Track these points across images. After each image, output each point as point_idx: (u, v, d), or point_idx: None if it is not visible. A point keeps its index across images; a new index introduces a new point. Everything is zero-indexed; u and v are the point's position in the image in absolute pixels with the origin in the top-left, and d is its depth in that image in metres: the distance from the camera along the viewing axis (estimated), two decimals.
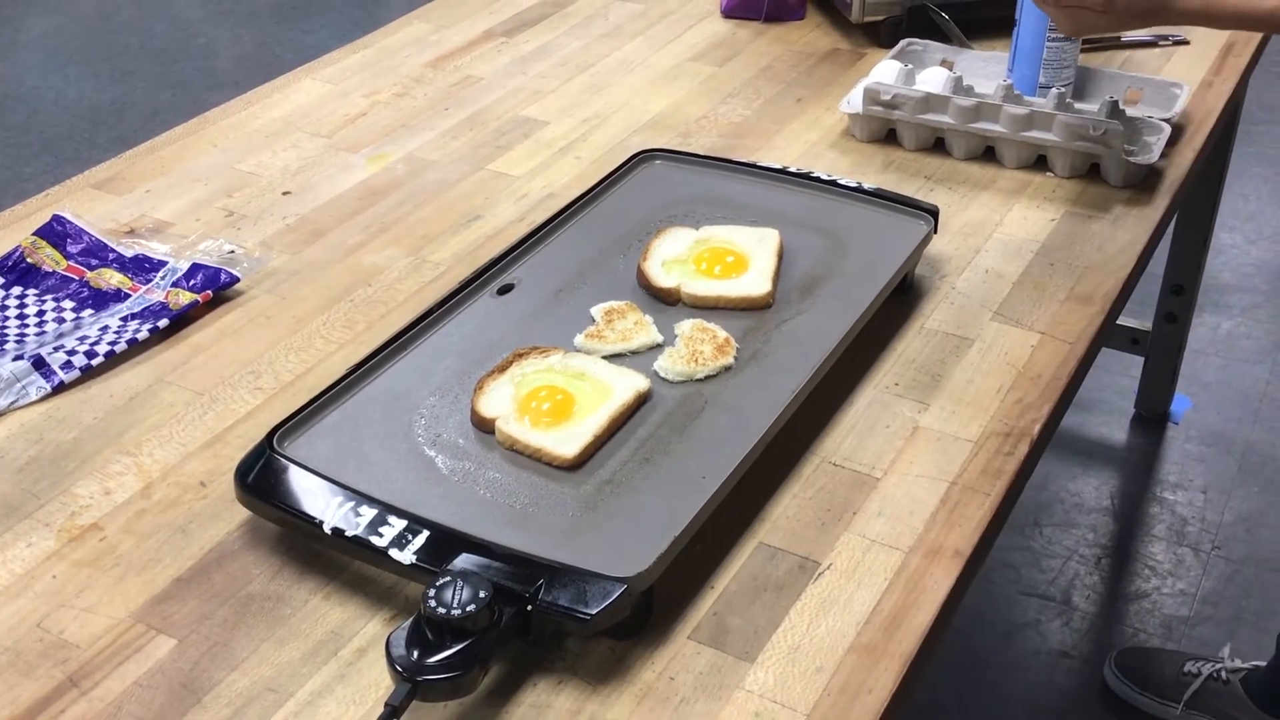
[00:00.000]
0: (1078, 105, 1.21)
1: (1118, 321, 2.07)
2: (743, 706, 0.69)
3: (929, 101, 1.20)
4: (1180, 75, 1.33)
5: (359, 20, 3.88)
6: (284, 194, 1.19)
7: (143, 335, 0.97)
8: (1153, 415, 2.14)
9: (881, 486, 0.84)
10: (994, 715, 1.65)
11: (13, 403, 0.92)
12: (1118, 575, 1.85)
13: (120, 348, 0.96)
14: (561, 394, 0.83)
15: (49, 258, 1.06)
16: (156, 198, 1.18)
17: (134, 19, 4.02)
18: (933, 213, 1.02)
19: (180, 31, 3.90)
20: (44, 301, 1.03)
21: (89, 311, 1.01)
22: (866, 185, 1.06)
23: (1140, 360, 2.10)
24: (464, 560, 0.71)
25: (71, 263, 1.06)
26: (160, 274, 1.04)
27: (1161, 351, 2.07)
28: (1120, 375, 2.17)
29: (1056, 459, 2.04)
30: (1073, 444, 2.08)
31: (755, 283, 0.95)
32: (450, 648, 0.66)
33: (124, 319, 0.99)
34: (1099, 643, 1.73)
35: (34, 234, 1.08)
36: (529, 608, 0.69)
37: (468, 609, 0.66)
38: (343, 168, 1.23)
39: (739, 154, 1.20)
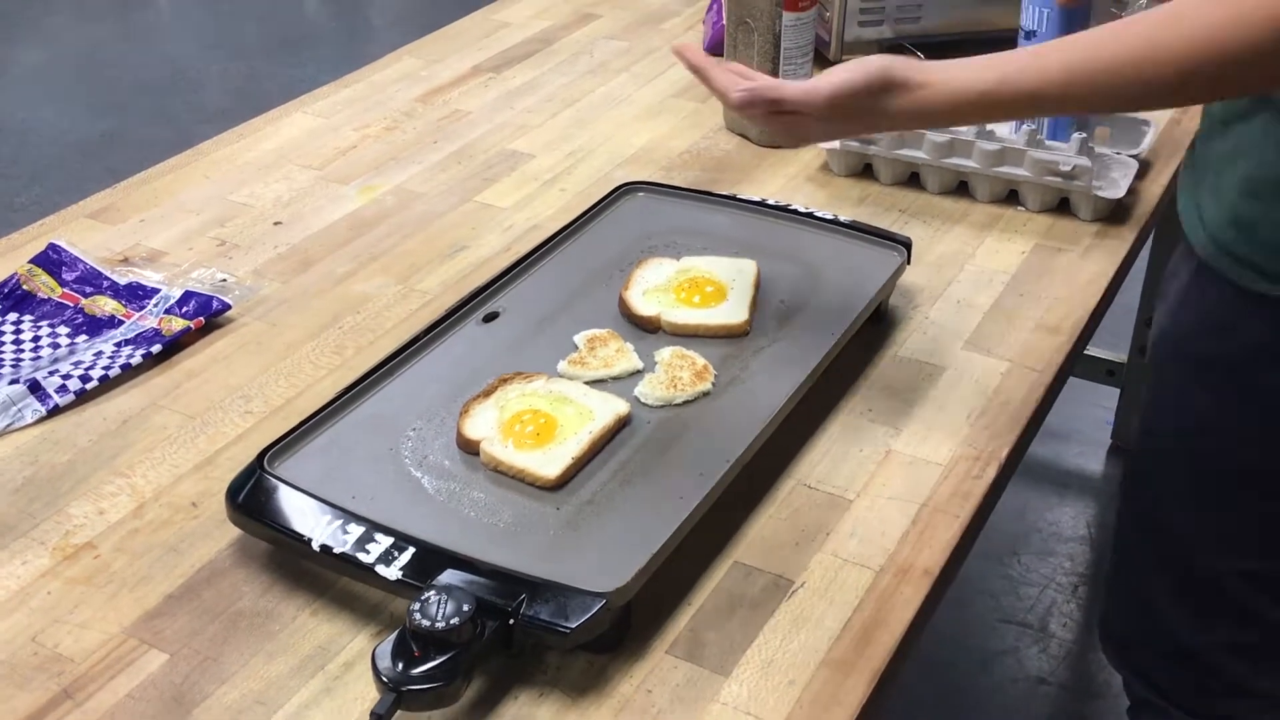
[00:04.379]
0: (1048, 142, 1.24)
1: (1093, 354, 2.11)
2: (717, 718, 0.71)
3: (904, 137, 1.24)
4: (1148, 113, 1.37)
5: (347, 55, 3.93)
6: (275, 224, 1.22)
7: (136, 360, 1.00)
8: (1129, 446, 2.16)
9: (854, 508, 0.87)
10: None
11: (8, 425, 0.94)
12: (1095, 603, 1.87)
13: (114, 372, 0.98)
14: (544, 417, 0.86)
15: (44, 285, 1.09)
16: (150, 227, 1.21)
17: (123, 53, 4.06)
18: (906, 244, 1.05)
19: (169, 66, 3.93)
20: (39, 327, 1.05)
21: (83, 337, 1.04)
22: (842, 218, 1.09)
23: (1116, 391, 2.14)
24: (448, 576, 0.73)
25: (67, 290, 1.09)
26: (153, 301, 1.07)
27: (1136, 383, 2.10)
28: (1095, 406, 2.21)
29: (1034, 489, 2.07)
30: (1050, 474, 2.11)
31: (733, 311, 0.97)
32: (434, 659, 0.68)
33: (118, 345, 1.02)
34: (1076, 670, 1.75)
35: (30, 262, 1.11)
36: (511, 621, 0.71)
37: (451, 622, 0.69)
38: (333, 199, 1.26)
39: (720, 187, 1.23)
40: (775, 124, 0.88)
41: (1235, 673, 1.03)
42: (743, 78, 0.88)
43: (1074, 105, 0.89)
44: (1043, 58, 0.78)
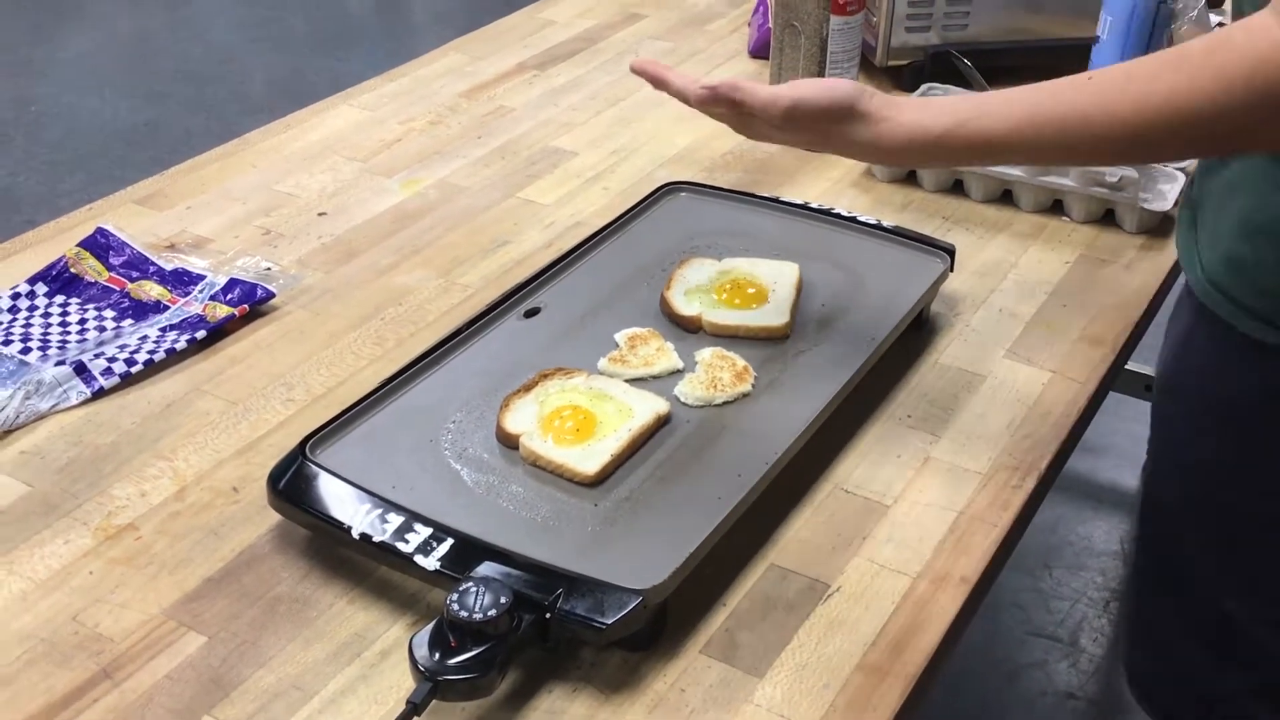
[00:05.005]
0: None
1: (1132, 368, 2.09)
2: (751, 719, 0.71)
3: None
4: None
5: (392, 50, 3.95)
6: (320, 215, 1.23)
7: (180, 346, 1.01)
8: None
9: (892, 514, 0.86)
10: None
11: (54, 406, 0.95)
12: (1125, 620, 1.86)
13: (159, 357, 0.99)
14: (584, 414, 0.86)
15: (92, 269, 1.10)
16: (197, 214, 1.22)
17: (170, 43, 4.09)
18: (949, 251, 1.05)
19: (215, 56, 3.97)
20: (86, 310, 1.06)
21: (129, 321, 1.05)
22: (886, 223, 1.09)
23: None
24: (486, 568, 0.73)
25: (113, 274, 1.10)
26: (199, 288, 1.08)
27: None
28: (1133, 421, 2.18)
29: (1068, 502, 2.06)
30: (1084, 488, 2.09)
31: (774, 314, 0.97)
32: (470, 650, 0.69)
33: (163, 329, 1.03)
34: (1105, 685, 1.74)
35: (78, 245, 1.12)
36: (547, 615, 0.71)
37: (488, 614, 0.69)
38: (377, 191, 1.27)
39: (763, 189, 1.23)
40: (734, 121, 0.86)
41: (1260, 718, 1.01)
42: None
43: (1027, 155, 0.87)
44: (1004, 104, 0.77)
